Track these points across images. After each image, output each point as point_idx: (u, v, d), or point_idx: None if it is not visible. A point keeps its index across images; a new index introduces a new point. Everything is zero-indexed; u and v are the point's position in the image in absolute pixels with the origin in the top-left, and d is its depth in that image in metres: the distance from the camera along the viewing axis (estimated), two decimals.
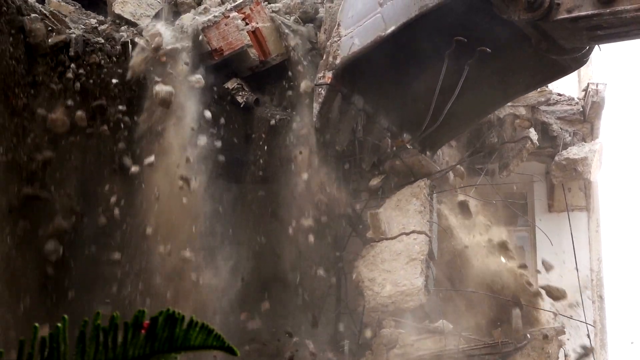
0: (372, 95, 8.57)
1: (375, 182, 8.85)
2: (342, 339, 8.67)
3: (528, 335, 8.71)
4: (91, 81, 7.86)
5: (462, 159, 10.36)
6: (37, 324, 1.68)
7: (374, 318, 8.37)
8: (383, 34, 7.75)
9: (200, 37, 8.12)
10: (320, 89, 8.09)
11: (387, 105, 8.79)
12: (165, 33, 8.00)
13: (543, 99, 11.58)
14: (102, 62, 7.92)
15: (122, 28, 8.23)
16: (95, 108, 7.88)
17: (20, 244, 7.54)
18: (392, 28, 7.66)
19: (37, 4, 7.87)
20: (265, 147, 8.59)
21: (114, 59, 7.96)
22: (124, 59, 7.93)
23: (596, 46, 7.97)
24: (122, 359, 1.71)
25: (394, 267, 8.38)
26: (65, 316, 1.69)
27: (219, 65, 8.24)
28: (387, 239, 8.49)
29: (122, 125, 7.94)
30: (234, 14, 8.19)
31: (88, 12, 8.64)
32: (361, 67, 8.17)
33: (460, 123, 9.17)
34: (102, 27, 8.20)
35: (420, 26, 7.65)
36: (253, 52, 8.26)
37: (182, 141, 7.90)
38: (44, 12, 7.81)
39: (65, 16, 8.15)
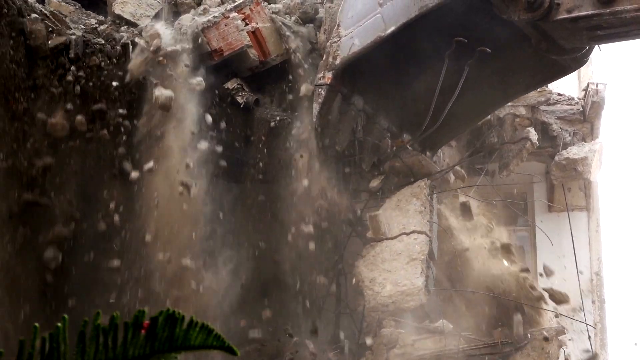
0: (372, 95, 8.57)
1: (375, 183, 8.85)
2: (342, 338, 8.67)
3: (528, 335, 8.71)
4: (91, 84, 7.81)
5: (462, 159, 10.36)
6: (37, 324, 1.68)
7: (374, 318, 8.37)
8: (383, 34, 7.75)
9: (200, 39, 8.10)
10: (320, 90, 8.09)
11: (387, 106, 8.79)
12: (165, 34, 7.97)
13: (543, 99, 11.59)
14: (102, 64, 7.88)
15: (122, 28, 8.22)
16: (95, 112, 7.83)
17: (20, 250, 7.49)
18: (392, 28, 7.66)
19: (37, 4, 7.85)
20: (265, 150, 8.57)
21: (114, 60, 7.92)
22: (124, 60, 7.90)
23: (596, 46, 7.97)
24: (122, 358, 1.71)
25: (394, 267, 8.38)
26: (65, 316, 1.69)
27: (219, 65, 8.23)
28: (387, 238, 8.49)
29: (122, 130, 7.90)
30: (233, 14, 8.18)
31: (88, 12, 8.63)
32: (361, 68, 8.17)
33: (460, 123, 9.17)
34: (102, 27, 8.19)
35: (420, 26, 7.65)
36: (253, 53, 8.25)
37: (182, 146, 7.86)
38: (45, 12, 7.78)
39: (66, 16, 8.14)
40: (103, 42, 7.95)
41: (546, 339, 8.66)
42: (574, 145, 11.80)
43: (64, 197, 7.74)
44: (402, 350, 8.20)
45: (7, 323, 6.97)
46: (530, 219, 12.26)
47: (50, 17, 7.78)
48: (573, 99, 12.43)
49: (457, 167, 10.00)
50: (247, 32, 8.19)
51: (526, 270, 9.50)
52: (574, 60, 8.01)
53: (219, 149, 8.19)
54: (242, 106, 8.40)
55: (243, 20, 8.21)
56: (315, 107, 8.12)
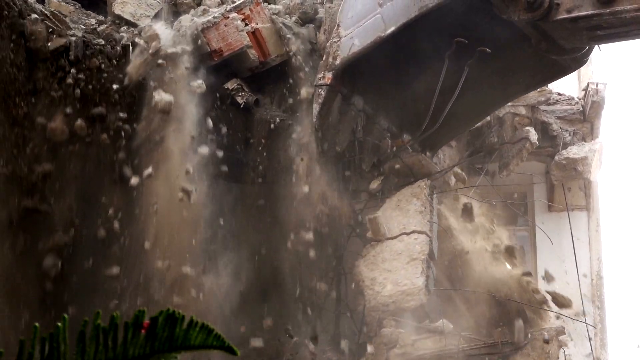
0: (372, 95, 8.57)
1: (375, 184, 8.85)
2: (342, 338, 8.67)
3: (529, 334, 8.71)
4: (91, 87, 7.77)
5: (462, 159, 10.36)
6: (37, 324, 1.69)
7: (374, 317, 8.37)
8: (383, 34, 7.75)
9: (200, 39, 8.08)
10: (320, 90, 8.08)
11: (387, 106, 8.78)
12: (164, 35, 7.95)
13: (543, 99, 11.59)
14: (103, 65, 7.83)
15: (122, 29, 8.21)
16: (95, 116, 7.79)
17: (20, 258, 7.43)
18: (392, 28, 7.66)
19: (37, 4, 7.83)
20: (265, 153, 8.55)
21: (114, 62, 7.88)
22: (124, 61, 7.88)
23: (596, 46, 7.97)
24: (122, 358, 1.72)
25: (395, 267, 8.38)
26: (66, 315, 1.70)
27: (219, 66, 8.22)
28: (387, 238, 8.50)
29: (122, 134, 7.86)
30: (233, 14, 8.17)
31: (88, 12, 8.62)
32: (361, 68, 8.17)
33: (460, 123, 9.17)
34: (102, 27, 8.18)
35: (420, 26, 7.65)
36: (253, 53, 8.24)
37: (182, 150, 7.82)
38: (45, 12, 7.77)
39: (66, 16, 8.13)
40: (103, 42, 7.94)
41: (546, 342, 8.65)
42: (574, 145, 11.81)
43: (64, 202, 7.68)
44: (402, 350, 8.20)
45: (8, 331, 6.92)
46: (530, 219, 12.26)
47: (51, 17, 7.77)
48: (573, 98, 12.43)
49: (458, 170, 9.99)
50: (246, 32, 8.18)
51: (528, 274, 9.45)
52: (574, 60, 8.01)
53: (220, 153, 8.15)
54: (242, 106, 8.40)
55: (243, 20, 8.20)
56: (315, 108, 8.12)
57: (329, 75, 8.00)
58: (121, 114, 7.85)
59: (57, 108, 7.61)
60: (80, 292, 7.62)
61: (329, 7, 8.65)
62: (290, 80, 8.50)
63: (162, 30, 8.02)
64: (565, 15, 7.01)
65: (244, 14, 8.22)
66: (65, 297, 7.58)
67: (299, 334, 8.45)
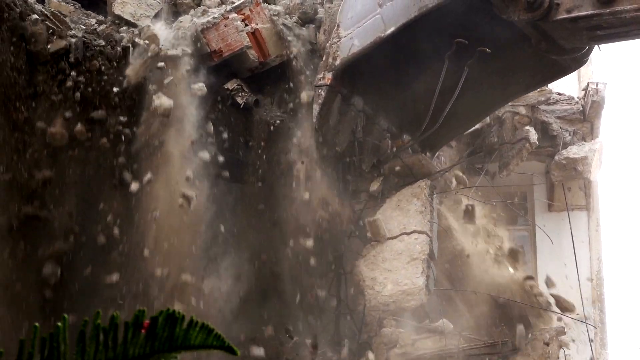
0: (371, 96, 8.57)
1: (375, 186, 8.84)
2: (342, 338, 8.67)
3: (529, 334, 8.71)
4: (90, 89, 7.71)
5: (461, 159, 10.36)
6: (37, 324, 1.69)
7: (374, 317, 8.38)
8: (383, 34, 7.75)
9: (199, 41, 8.06)
10: (320, 90, 8.08)
11: (387, 106, 8.79)
12: (163, 36, 7.93)
13: (543, 99, 11.60)
14: (103, 67, 7.79)
15: (122, 29, 8.20)
16: (95, 119, 7.74)
17: (19, 265, 7.36)
18: (392, 29, 7.66)
19: (37, 5, 7.81)
20: (265, 156, 8.52)
21: (115, 63, 7.84)
22: (124, 62, 7.86)
23: (596, 46, 7.97)
24: (122, 358, 1.72)
25: (395, 267, 8.39)
26: (65, 315, 1.70)
27: (218, 66, 8.21)
28: (388, 238, 8.50)
29: (123, 138, 7.80)
30: (233, 15, 8.17)
31: (88, 12, 8.61)
32: (361, 68, 8.17)
33: (460, 123, 9.17)
34: (102, 27, 8.18)
35: (419, 27, 7.65)
36: (252, 54, 8.23)
37: (183, 155, 7.77)
38: (45, 12, 7.75)
39: (66, 16, 8.12)
40: (103, 43, 7.92)
41: (547, 344, 8.65)
42: (574, 144, 11.82)
43: (64, 209, 7.60)
44: (403, 350, 8.20)
45: (8, 341, 6.86)
46: (530, 219, 12.26)
47: (51, 17, 7.76)
48: (573, 98, 12.44)
49: (459, 172, 9.98)
50: (246, 33, 8.17)
51: (531, 277, 9.37)
52: (574, 60, 8.01)
53: (221, 158, 8.11)
54: (242, 107, 8.40)
55: (243, 21, 8.19)
56: (315, 108, 8.12)
57: (329, 75, 8.01)
58: (121, 118, 7.79)
59: (57, 112, 7.55)
60: (80, 299, 7.58)
61: (329, 7, 8.65)
62: (291, 84, 8.49)
63: (161, 31, 8.00)
64: (565, 15, 7.01)
65: (243, 14, 8.22)
66: (65, 305, 7.53)
67: (299, 335, 8.44)
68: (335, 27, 8.13)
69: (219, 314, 7.90)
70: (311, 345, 8.31)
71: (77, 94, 7.64)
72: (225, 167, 8.19)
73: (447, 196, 9.60)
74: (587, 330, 9.94)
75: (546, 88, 11.24)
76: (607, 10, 6.79)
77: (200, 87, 7.87)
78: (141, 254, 7.68)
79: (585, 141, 12.00)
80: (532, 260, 11.77)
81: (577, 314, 9.86)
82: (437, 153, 9.64)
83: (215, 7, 8.53)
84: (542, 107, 11.73)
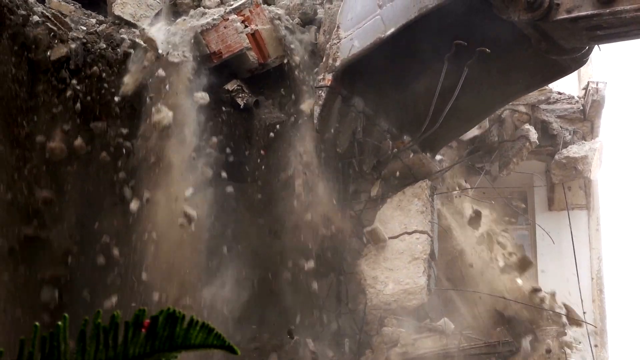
0: (372, 97, 8.57)
1: (375, 190, 8.84)
2: (342, 337, 8.66)
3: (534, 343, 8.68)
4: (90, 98, 7.61)
5: (461, 158, 10.36)
6: (37, 323, 1.70)
7: (375, 316, 8.38)
8: (383, 35, 7.76)
9: (199, 43, 7.99)
10: (320, 92, 8.08)
11: (387, 107, 8.78)
12: (160, 38, 7.85)
13: (543, 98, 11.59)
14: (104, 74, 7.69)
15: (122, 30, 8.18)
16: (95, 132, 7.62)
17: (19, 289, 7.26)
18: (392, 30, 7.66)
19: (38, 5, 7.78)
20: (264, 167, 8.45)
21: (115, 69, 7.76)
22: (125, 67, 7.80)
23: (596, 46, 7.97)
24: (123, 357, 1.72)
25: (397, 266, 8.40)
26: (66, 315, 1.71)
27: (218, 67, 8.18)
28: (389, 237, 8.51)
29: (124, 151, 7.70)
30: (233, 16, 8.16)
31: (88, 12, 8.60)
32: (361, 69, 8.17)
33: (460, 124, 9.17)
34: (102, 27, 8.16)
35: (419, 27, 7.65)
36: (252, 55, 8.21)
37: (183, 171, 7.65)
38: (46, 14, 7.73)
39: (66, 16, 8.10)
40: (104, 46, 7.88)
41: (548, 351, 8.62)
42: (574, 144, 11.81)
43: (63, 229, 7.47)
44: (403, 350, 8.21)
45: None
46: (531, 218, 12.26)
47: (52, 19, 7.74)
48: (573, 97, 12.44)
49: (462, 182, 9.96)
50: (246, 34, 8.16)
51: (538, 290, 9.12)
52: (574, 61, 8.01)
53: (224, 174, 8.05)
54: (242, 108, 8.37)
55: (242, 22, 8.18)
56: (316, 110, 8.12)
57: (329, 76, 8.01)
58: (122, 129, 7.68)
59: (57, 124, 7.42)
60: (78, 324, 7.45)
61: (329, 8, 8.65)
62: (291, 89, 8.44)
63: (160, 33, 7.95)
64: (565, 16, 7.02)
65: (243, 15, 8.21)
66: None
67: (300, 335, 8.42)
68: (335, 28, 8.13)
69: (220, 326, 7.83)
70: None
71: (77, 105, 7.52)
72: (227, 182, 8.12)
73: (448, 198, 9.56)
74: (587, 331, 9.91)
75: (546, 87, 11.22)
76: (607, 10, 6.79)
77: (202, 96, 7.79)
78: (139, 276, 7.56)
79: (585, 140, 11.99)
80: (532, 259, 11.76)
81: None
82: (440, 157, 9.62)
83: (214, 7, 8.51)
84: (543, 106, 11.72)
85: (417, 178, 8.76)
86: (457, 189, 9.68)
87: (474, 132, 10.43)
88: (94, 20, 8.32)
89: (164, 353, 1.76)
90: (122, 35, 8.05)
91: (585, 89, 12.14)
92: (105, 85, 7.72)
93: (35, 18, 7.51)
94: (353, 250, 8.68)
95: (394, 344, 8.22)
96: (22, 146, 7.28)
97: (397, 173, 8.82)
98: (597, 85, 11.94)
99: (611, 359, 12.03)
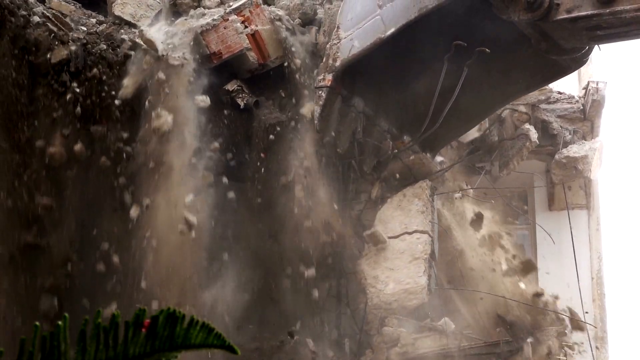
0: (372, 97, 8.57)
1: (374, 192, 8.84)
2: (343, 337, 8.66)
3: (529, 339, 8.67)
4: (90, 101, 7.57)
5: (461, 158, 10.36)
6: (37, 323, 1.70)
7: (376, 316, 8.38)
8: (383, 35, 7.76)
9: (199, 44, 7.97)
10: (320, 92, 8.08)
11: (387, 107, 8.79)
12: (160, 38, 7.84)
13: (543, 98, 11.59)
14: (104, 76, 7.67)
15: (122, 31, 8.18)
16: (95, 136, 7.59)
17: (19, 298, 7.19)
18: (392, 30, 7.67)
19: (38, 5, 7.76)
20: (263, 169, 8.43)
21: (116, 70, 7.74)
22: (125, 69, 7.78)
23: (596, 46, 7.98)
24: (123, 357, 1.73)
25: (397, 266, 8.40)
26: (66, 314, 1.71)
27: (218, 68, 8.17)
28: (389, 237, 8.51)
29: (124, 156, 7.65)
30: (233, 17, 8.16)
31: (89, 12, 8.60)
32: (361, 69, 8.17)
33: (460, 124, 9.17)
34: (102, 27, 8.15)
35: (419, 28, 7.66)
36: (252, 56, 8.21)
37: (183, 176, 7.60)
38: (47, 14, 7.72)
39: (66, 16, 8.10)
40: (105, 47, 7.86)
41: (549, 354, 8.60)
42: (574, 143, 11.81)
43: (63, 236, 7.40)
44: (404, 349, 8.21)
45: None
46: (531, 218, 12.26)
47: (53, 19, 7.73)
48: (573, 97, 12.43)
49: (464, 185, 9.95)
50: (246, 34, 8.16)
51: (541, 294, 9.08)
52: (574, 61, 8.01)
53: (225, 179, 8.02)
54: (242, 108, 8.36)
55: (242, 22, 8.18)
56: (316, 110, 8.12)
57: (329, 77, 8.01)
58: (122, 133, 7.64)
59: (57, 128, 7.36)
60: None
61: (329, 8, 8.66)
62: (294, 100, 8.42)
63: (159, 33, 7.93)
64: (565, 16, 7.02)
65: (243, 15, 8.21)
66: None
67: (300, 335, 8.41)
68: (335, 29, 8.13)
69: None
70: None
71: (78, 109, 7.47)
72: (228, 187, 8.09)
73: (449, 200, 9.54)
74: (588, 333, 9.90)
75: (546, 87, 11.22)
76: (607, 10, 6.79)
77: (203, 99, 7.76)
78: (139, 283, 7.52)
79: (585, 140, 11.98)
80: (533, 259, 11.75)
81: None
82: (441, 159, 9.61)
83: (214, 6, 8.50)
84: (543, 106, 11.72)
85: (417, 178, 8.76)
86: (459, 190, 9.67)
87: (474, 134, 10.44)
88: (94, 20, 8.31)
89: (164, 353, 1.76)
90: (122, 36, 8.04)
91: (586, 88, 12.14)
92: (106, 87, 7.69)
93: (36, 19, 7.50)
94: (354, 255, 8.67)
95: (394, 343, 8.22)
96: (23, 151, 7.23)
97: (397, 173, 8.83)
98: (597, 84, 11.93)
99: (611, 358, 12.03)
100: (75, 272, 7.60)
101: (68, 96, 7.49)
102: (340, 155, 8.64)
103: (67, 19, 8.04)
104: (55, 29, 7.65)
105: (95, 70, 7.68)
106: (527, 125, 11.03)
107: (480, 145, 10.74)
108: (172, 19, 8.42)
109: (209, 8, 8.46)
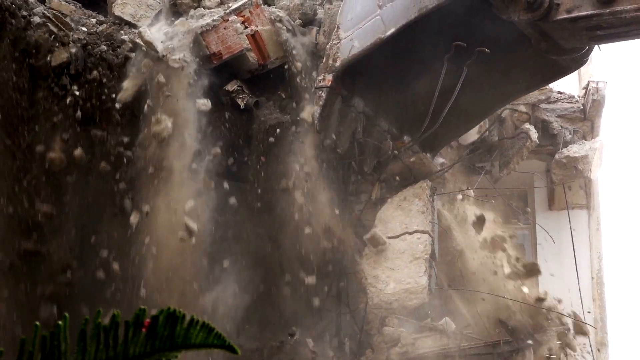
0: (372, 97, 8.57)
1: (375, 192, 8.84)
2: (343, 337, 8.66)
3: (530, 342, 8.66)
4: (90, 105, 7.54)
5: (461, 157, 10.36)
6: (37, 323, 1.71)
7: (376, 315, 8.38)
8: (383, 36, 7.76)
9: (199, 45, 7.96)
10: (320, 92, 8.08)
11: (387, 107, 8.79)
12: (160, 38, 7.82)
13: (543, 97, 11.59)
14: (104, 79, 7.64)
15: (122, 32, 8.17)
16: (95, 139, 7.55)
17: (19, 307, 7.16)
18: (392, 30, 7.67)
19: (39, 5, 7.75)
20: (263, 173, 8.42)
21: (116, 72, 7.72)
22: (125, 71, 7.76)
23: (596, 46, 7.98)
24: (123, 357, 1.73)
25: (398, 265, 8.40)
26: (66, 314, 1.72)
27: (218, 68, 8.16)
28: (390, 237, 8.51)
29: (125, 160, 7.63)
30: (233, 17, 8.15)
31: (89, 12, 8.60)
32: (361, 70, 8.18)
33: (461, 124, 9.17)
34: (102, 27, 8.15)
35: (419, 28, 7.66)
36: (252, 56, 8.20)
37: (183, 181, 7.58)
38: (48, 15, 7.71)
39: (66, 16, 8.09)
40: (105, 48, 7.84)
41: (549, 357, 8.59)
42: (574, 143, 11.80)
43: (63, 243, 7.36)
44: (404, 349, 8.21)
45: None
46: (531, 217, 12.25)
47: (53, 19, 7.73)
48: (573, 97, 12.42)
49: (465, 188, 9.94)
50: (246, 35, 8.15)
51: (543, 299, 9.02)
52: (574, 61, 8.01)
53: (226, 185, 8.01)
54: (242, 108, 8.36)
55: (242, 23, 8.18)
56: (316, 110, 8.12)
57: (329, 77, 8.01)
58: (122, 137, 7.61)
59: (57, 133, 7.31)
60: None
61: (329, 8, 8.66)
62: (294, 104, 8.42)
63: (159, 34, 7.92)
64: (565, 16, 7.02)
65: (243, 16, 8.21)
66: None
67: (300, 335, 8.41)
68: (335, 29, 8.13)
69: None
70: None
71: (78, 112, 7.43)
72: (229, 192, 8.07)
73: (450, 201, 9.52)
74: (592, 350, 9.89)
75: (546, 87, 11.22)
76: (607, 10, 6.79)
77: (204, 102, 7.74)
78: (138, 291, 7.52)
79: (585, 140, 11.98)
80: (533, 259, 11.75)
81: (577, 314, 9.81)
82: (442, 161, 9.61)
83: (215, 6, 8.50)
84: (543, 105, 11.72)
85: (417, 178, 8.76)
86: (459, 191, 9.66)
87: (473, 136, 10.44)
88: (94, 20, 8.30)
89: (164, 352, 1.76)
90: (122, 37, 8.03)
91: (586, 88, 12.13)
92: (106, 90, 7.66)
93: (36, 19, 7.48)
94: (354, 258, 8.66)
95: (394, 343, 8.22)
96: (23, 156, 7.20)
97: (398, 173, 8.83)
98: (597, 84, 11.93)
99: (612, 359, 12.03)
100: (75, 279, 7.56)
101: (68, 99, 7.45)
102: (341, 156, 8.64)
103: (68, 19, 8.03)
104: (55, 29, 7.63)
105: (95, 72, 7.65)
106: (527, 125, 11.03)
107: (480, 145, 10.73)
108: (172, 19, 8.41)
109: (209, 8, 8.45)
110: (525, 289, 9.07)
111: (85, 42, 7.83)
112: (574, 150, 11.65)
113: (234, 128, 8.41)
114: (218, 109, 8.20)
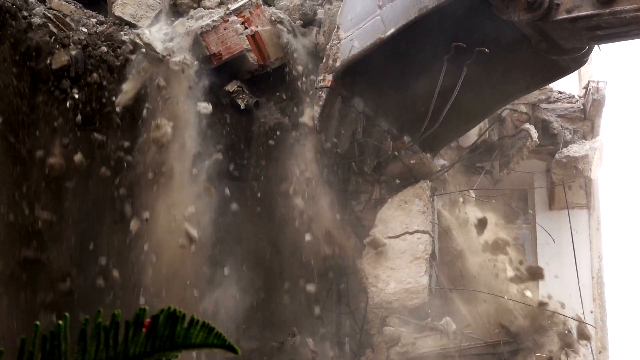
0: (372, 97, 8.57)
1: (375, 193, 8.84)
2: (343, 336, 8.66)
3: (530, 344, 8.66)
4: (90, 108, 7.51)
5: (461, 157, 10.36)
6: (37, 322, 1.71)
7: (377, 315, 8.38)
8: (383, 36, 7.76)
9: (199, 45, 7.96)
10: (320, 92, 8.08)
11: (388, 108, 8.79)
12: (159, 38, 7.81)
13: (543, 97, 11.60)
14: (104, 82, 7.62)
15: (122, 33, 8.17)
16: (95, 143, 7.52)
17: (20, 316, 7.13)
18: (392, 30, 7.67)
19: (39, 4, 7.73)
20: (263, 177, 8.39)
21: (116, 75, 7.70)
22: (125, 73, 7.75)
23: (596, 46, 7.98)
24: (123, 357, 1.73)
25: (398, 265, 8.40)
26: (67, 314, 1.72)
27: (218, 69, 8.16)
28: (390, 237, 8.51)
29: (125, 165, 7.60)
30: (233, 17, 8.15)
31: (89, 12, 8.60)
32: (361, 70, 8.18)
33: (461, 124, 9.17)
34: (102, 27, 8.14)
35: (419, 28, 7.66)
36: (252, 57, 8.20)
37: (183, 186, 7.56)
38: (48, 15, 7.70)
39: (67, 16, 8.09)
40: (106, 50, 7.82)
41: (550, 358, 8.58)
42: (574, 143, 11.80)
43: (63, 250, 7.33)
44: (404, 349, 8.21)
45: None
46: (531, 217, 12.25)
47: (54, 19, 7.72)
48: (574, 96, 12.43)
49: (467, 189, 9.95)
50: (246, 35, 8.16)
51: (545, 304, 8.92)
52: (574, 61, 8.02)
53: (227, 190, 8.00)
54: (242, 108, 8.36)
55: (242, 23, 8.18)
56: (316, 110, 8.12)
57: (329, 77, 8.01)
58: (122, 142, 7.59)
59: (57, 137, 7.28)
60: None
61: (328, 8, 8.66)
62: (295, 109, 8.42)
63: (159, 34, 7.92)
64: (565, 16, 7.02)
65: (243, 16, 8.21)
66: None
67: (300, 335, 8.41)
68: (335, 29, 8.13)
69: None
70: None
71: (78, 116, 7.40)
72: (230, 196, 8.05)
73: (451, 203, 9.52)
74: (592, 351, 9.88)
75: (547, 86, 11.23)
76: (607, 10, 6.79)
77: (205, 106, 7.73)
78: (138, 299, 7.50)
79: (585, 139, 11.98)
80: (533, 259, 11.76)
81: (577, 314, 9.81)
82: (443, 162, 9.61)
83: (214, 7, 8.50)
84: (543, 105, 11.72)
85: (418, 178, 8.76)
86: (461, 198, 9.65)
87: (473, 139, 10.44)
88: (94, 21, 8.30)
89: (164, 352, 1.76)
90: (123, 37, 8.02)
91: (586, 88, 12.14)
92: (106, 93, 7.64)
93: (37, 20, 7.46)
94: (355, 260, 8.66)
95: (394, 343, 8.22)
96: (23, 163, 7.16)
97: (398, 174, 8.83)
98: (597, 84, 11.93)
99: (612, 359, 12.03)
100: (75, 287, 7.53)
101: (68, 103, 7.43)
102: (341, 156, 8.64)
103: (68, 19, 8.03)
104: (56, 30, 7.62)
105: (95, 75, 7.62)
106: (527, 125, 11.03)
107: (480, 144, 10.74)
108: (172, 19, 8.42)
109: (209, 9, 8.46)
110: (528, 293, 9.04)
111: (85, 43, 7.81)
112: (574, 150, 11.65)
113: (234, 130, 8.40)
114: (218, 110, 8.20)
